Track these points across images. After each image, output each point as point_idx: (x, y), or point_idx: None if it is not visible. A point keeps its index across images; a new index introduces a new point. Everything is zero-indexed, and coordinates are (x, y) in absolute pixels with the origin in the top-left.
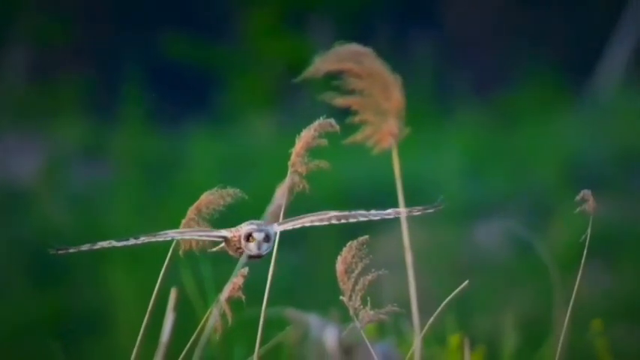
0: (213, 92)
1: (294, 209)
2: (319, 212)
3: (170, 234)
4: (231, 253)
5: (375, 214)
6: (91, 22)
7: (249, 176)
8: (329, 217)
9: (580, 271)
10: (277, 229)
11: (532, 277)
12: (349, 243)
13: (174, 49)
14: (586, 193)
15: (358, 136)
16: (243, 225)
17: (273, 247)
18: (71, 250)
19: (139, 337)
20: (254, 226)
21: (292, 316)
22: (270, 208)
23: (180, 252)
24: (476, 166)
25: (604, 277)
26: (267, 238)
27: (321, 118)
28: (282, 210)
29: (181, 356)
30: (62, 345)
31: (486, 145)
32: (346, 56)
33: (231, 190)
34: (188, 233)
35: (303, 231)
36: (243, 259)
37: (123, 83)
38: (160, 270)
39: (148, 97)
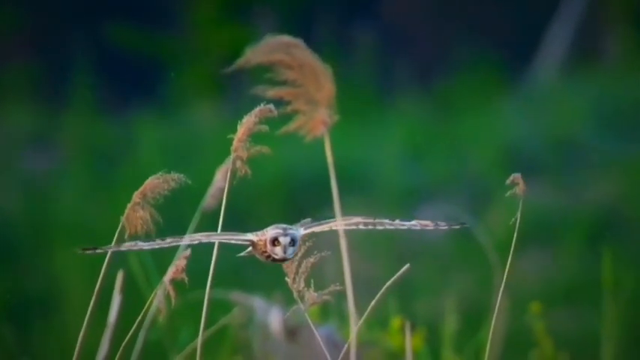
0: (159, 80)
1: (236, 193)
2: (345, 217)
3: (197, 237)
4: (258, 256)
5: (400, 224)
6: (38, 10)
7: (194, 161)
8: (355, 222)
9: (511, 253)
10: (302, 232)
11: (471, 261)
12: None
13: (121, 37)
14: (516, 176)
15: (291, 126)
16: (268, 229)
17: (298, 250)
18: (98, 251)
19: (86, 319)
20: (280, 230)
21: (237, 298)
22: (211, 191)
23: (126, 235)
24: (416, 152)
25: (543, 261)
26: (293, 242)
27: (262, 104)
28: (225, 193)
29: (127, 337)
30: (11, 328)
31: (427, 132)
32: (277, 47)
33: (175, 175)
34: (216, 237)
35: (247, 212)
36: (269, 263)
37: (71, 71)
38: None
39: (95, 85)
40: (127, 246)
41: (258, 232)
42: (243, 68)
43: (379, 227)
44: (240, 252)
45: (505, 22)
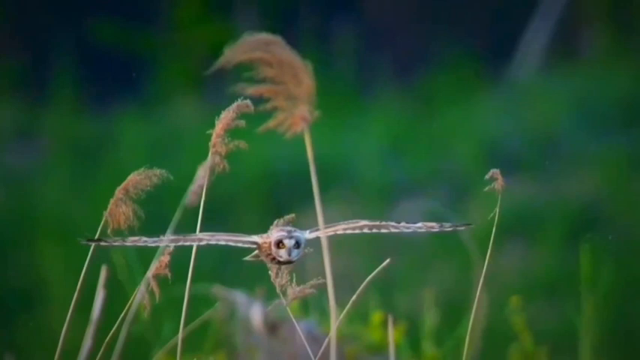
0: (141, 77)
1: (217, 189)
2: (351, 221)
3: (203, 237)
4: (263, 258)
5: (406, 226)
6: (21, 6)
7: (176, 158)
8: (361, 225)
9: (490, 248)
10: (308, 236)
11: (451, 256)
12: (276, 221)
13: (104, 34)
14: (495, 172)
15: (272, 123)
16: (273, 231)
17: (302, 252)
18: (102, 243)
19: (69, 313)
20: (284, 233)
21: (219, 293)
22: (192, 188)
23: (109, 230)
24: (397, 147)
25: (523, 255)
26: (298, 245)
27: (239, 100)
28: (204, 190)
29: (111, 332)
30: None
31: (407, 128)
32: (256, 45)
33: (157, 171)
34: (221, 237)
35: (229, 207)
36: (274, 265)
37: (53, 67)
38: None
39: (78, 81)
40: (131, 240)
41: (264, 235)
42: (224, 67)
43: (384, 230)
44: (245, 255)
45: (485, 19)
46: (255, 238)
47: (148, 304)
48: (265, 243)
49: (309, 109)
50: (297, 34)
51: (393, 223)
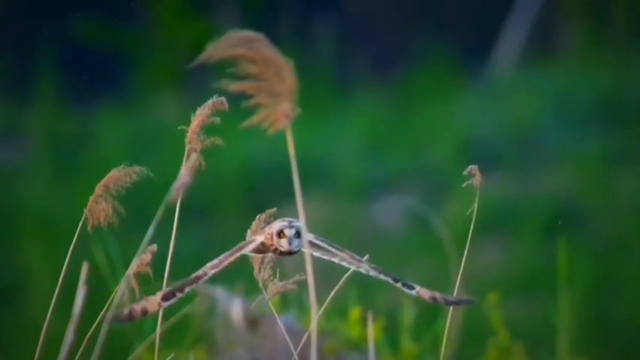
0: (122, 73)
1: (197, 186)
2: (356, 260)
3: (207, 269)
4: (269, 254)
5: (408, 287)
6: (2, 4)
7: (157, 154)
8: (362, 267)
9: (468, 244)
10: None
11: (429, 251)
12: (258, 215)
13: (86, 31)
14: (473, 168)
15: (254, 119)
16: (275, 222)
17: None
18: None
19: (50, 310)
20: (285, 223)
21: (199, 288)
22: (176, 185)
23: (89, 227)
24: (375, 144)
25: (500, 251)
26: (299, 235)
27: (214, 96)
28: (187, 187)
29: (92, 328)
30: None
31: (386, 124)
32: (239, 42)
33: (137, 168)
34: (226, 258)
35: (208, 204)
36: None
37: (35, 64)
38: (75, 244)
39: (59, 78)
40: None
41: (265, 228)
42: (206, 63)
43: (382, 278)
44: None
45: (464, 15)
46: (259, 238)
47: (129, 302)
48: (268, 235)
49: (291, 106)
50: (278, 32)
51: (392, 278)
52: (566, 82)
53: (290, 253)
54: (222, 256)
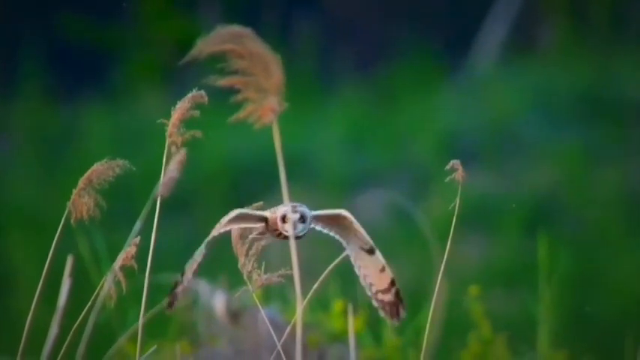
0: (107, 69)
1: (181, 179)
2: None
3: (217, 229)
4: (270, 234)
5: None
6: None
7: (142, 149)
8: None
9: (450, 238)
10: (312, 212)
11: (412, 245)
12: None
13: (71, 27)
14: (455, 163)
15: (241, 114)
16: (280, 206)
17: (309, 228)
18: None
19: (34, 302)
20: (289, 208)
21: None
22: (163, 179)
23: (72, 220)
24: (358, 139)
25: (482, 246)
26: (303, 219)
27: (193, 90)
28: (163, 179)
29: (78, 320)
30: None
31: (368, 120)
32: (228, 38)
33: (120, 162)
34: (233, 218)
35: (192, 197)
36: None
37: (20, 59)
38: (59, 237)
39: (44, 73)
40: (185, 284)
41: (272, 209)
42: (195, 58)
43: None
44: (214, 245)
45: (444, 12)
46: (266, 213)
47: (114, 295)
48: (273, 218)
49: (278, 101)
50: (260, 28)
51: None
52: (546, 78)
53: (295, 237)
54: (232, 214)
